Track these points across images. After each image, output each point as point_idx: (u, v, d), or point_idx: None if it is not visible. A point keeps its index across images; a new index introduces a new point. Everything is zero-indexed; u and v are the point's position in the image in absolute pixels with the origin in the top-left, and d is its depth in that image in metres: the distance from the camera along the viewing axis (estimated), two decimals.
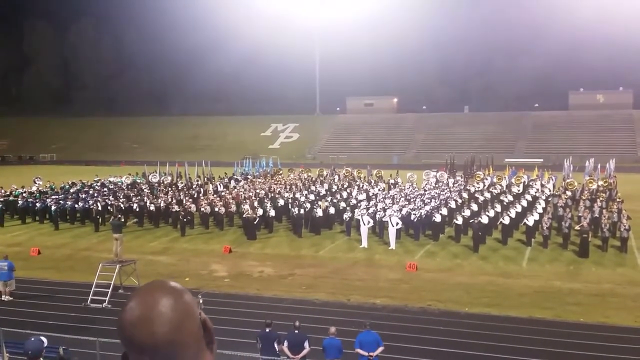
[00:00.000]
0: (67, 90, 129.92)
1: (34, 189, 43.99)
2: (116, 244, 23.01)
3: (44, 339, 8.54)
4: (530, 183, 43.70)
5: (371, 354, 14.13)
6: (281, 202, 37.86)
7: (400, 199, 37.34)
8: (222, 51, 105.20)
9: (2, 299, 21.46)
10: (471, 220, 30.89)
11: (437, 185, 44.78)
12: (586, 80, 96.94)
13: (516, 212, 32.37)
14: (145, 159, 69.13)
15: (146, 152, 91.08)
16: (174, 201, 37.73)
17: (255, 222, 32.63)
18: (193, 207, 36.36)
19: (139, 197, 39.23)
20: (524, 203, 34.92)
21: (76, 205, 37.91)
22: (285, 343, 14.31)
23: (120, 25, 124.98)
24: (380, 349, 14.29)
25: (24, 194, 40.64)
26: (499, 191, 41.09)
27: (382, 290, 22.71)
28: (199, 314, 1.71)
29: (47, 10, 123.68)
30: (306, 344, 14.27)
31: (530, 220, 30.08)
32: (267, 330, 14.33)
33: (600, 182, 43.11)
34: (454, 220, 31.83)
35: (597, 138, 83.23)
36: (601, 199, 37.26)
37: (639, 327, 18.42)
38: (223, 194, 40.59)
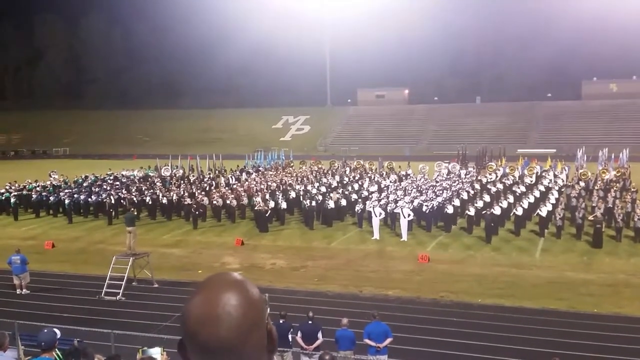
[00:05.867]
0: (78, 84, 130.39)
1: (49, 182, 44.30)
2: (129, 236, 23.11)
3: (57, 330, 8.59)
4: (543, 174, 43.43)
5: (379, 345, 14.13)
6: (293, 194, 37.91)
7: (412, 190, 37.27)
8: (233, 43, 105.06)
9: (18, 292, 21.67)
10: (483, 212, 30.78)
11: (449, 177, 44.62)
12: (599, 70, 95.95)
13: (529, 202, 32.23)
14: (157, 152, 69.31)
15: (158, 145, 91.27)
16: (186, 194, 37.86)
17: (267, 215, 32.68)
18: (205, 200, 36.46)
19: (152, 191, 39.42)
20: (537, 194, 34.76)
21: (89, 199, 38.16)
22: (299, 333, 14.35)
23: (130, 18, 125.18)
24: (389, 340, 14.27)
25: (38, 188, 40.96)
26: (511, 182, 40.91)
27: (394, 281, 22.71)
28: (267, 322, 1.66)
29: (58, 4, 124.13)
30: (319, 335, 14.31)
31: (543, 211, 29.91)
32: (281, 321, 14.37)
33: (614, 172, 42.77)
34: (466, 211, 31.72)
35: (610, 128, 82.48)
36: (615, 189, 36.97)
37: None
38: (235, 186, 40.69)
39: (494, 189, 37.35)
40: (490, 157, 54.35)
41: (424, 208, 32.02)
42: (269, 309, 1.70)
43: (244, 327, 1.56)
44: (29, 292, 21.73)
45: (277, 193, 37.25)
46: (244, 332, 1.56)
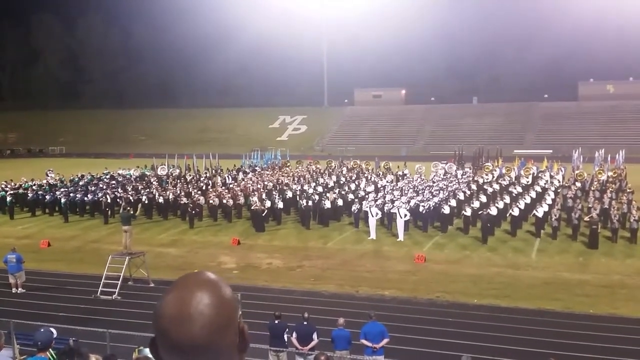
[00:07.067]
0: (75, 84, 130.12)
1: (45, 181, 44.21)
2: (125, 236, 23.10)
3: (54, 330, 8.58)
4: (540, 174, 43.51)
5: (375, 345, 14.13)
6: (289, 194, 37.89)
7: (408, 190, 37.29)
8: (230, 43, 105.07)
9: (13, 291, 21.63)
10: (480, 212, 30.80)
11: (445, 177, 44.66)
12: (596, 71, 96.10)
13: (525, 203, 32.25)
14: (153, 151, 69.25)
15: (155, 144, 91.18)
16: (183, 193, 37.83)
17: (263, 214, 32.67)
18: (202, 200, 36.44)
19: (148, 190, 39.37)
20: (533, 194, 34.79)
21: (85, 198, 38.10)
22: (294, 334, 14.34)
23: (128, 18, 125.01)
24: (385, 340, 14.28)
25: (34, 187, 40.90)
26: (507, 182, 40.96)
27: (390, 281, 22.72)
28: (239, 319, 1.66)
29: (55, 4, 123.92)
30: (314, 336, 14.31)
31: (540, 212, 29.95)
32: (276, 322, 14.36)
33: (610, 173, 42.85)
34: (463, 211, 31.75)
35: (607, 129, 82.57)
36: (611, 190, 37.02)
37: None
38: (231, 186, 40.66)
39: (490, 190, 37.40)
40: (487, 158, 54.35)
41: (421, 208, 32.04)
42: (239, 300, 1.70)
43: (216, 326, 1.57)
44: (24, 291, 21.68)
45: (274, 193, 37.23)
46: (216, 331, 1.57)
